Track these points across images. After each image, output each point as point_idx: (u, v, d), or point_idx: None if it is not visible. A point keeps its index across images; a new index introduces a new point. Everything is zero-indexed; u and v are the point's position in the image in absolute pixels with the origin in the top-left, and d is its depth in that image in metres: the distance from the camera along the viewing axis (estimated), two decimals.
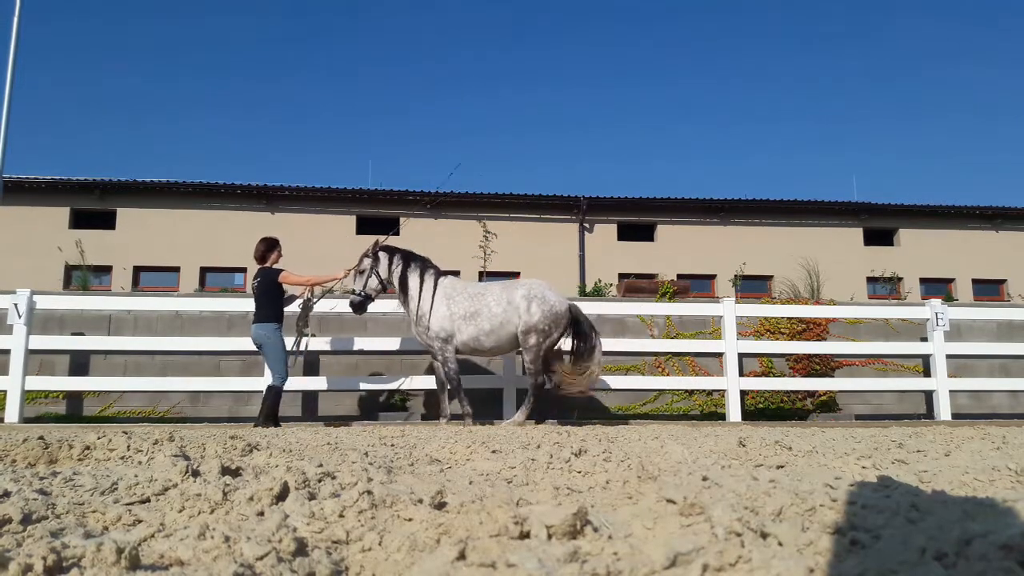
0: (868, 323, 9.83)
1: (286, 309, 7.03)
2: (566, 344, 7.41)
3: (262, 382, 8.11)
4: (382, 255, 7.23)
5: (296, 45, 50.95)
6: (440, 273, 7.28)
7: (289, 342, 6.99)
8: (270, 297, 6.77)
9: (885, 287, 16.06)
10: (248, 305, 8.41)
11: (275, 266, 6.99)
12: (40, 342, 8.15)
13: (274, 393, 6.69)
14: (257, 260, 7.02)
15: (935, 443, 3.96)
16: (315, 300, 7.31)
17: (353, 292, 7.16)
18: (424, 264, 7.28)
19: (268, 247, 7.01)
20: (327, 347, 8.63)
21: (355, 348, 8.62)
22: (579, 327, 7.23)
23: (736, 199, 17.70)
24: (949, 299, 14.80)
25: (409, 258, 7.27)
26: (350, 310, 7.20)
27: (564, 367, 7.21)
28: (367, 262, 7.18)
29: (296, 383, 8.56)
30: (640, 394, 9.27)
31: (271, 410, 6.64)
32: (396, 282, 7.18)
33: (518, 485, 2.28)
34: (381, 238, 7.43)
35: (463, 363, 8.88)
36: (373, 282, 7.14)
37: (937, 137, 54.56)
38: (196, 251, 16.30)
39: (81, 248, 13.84)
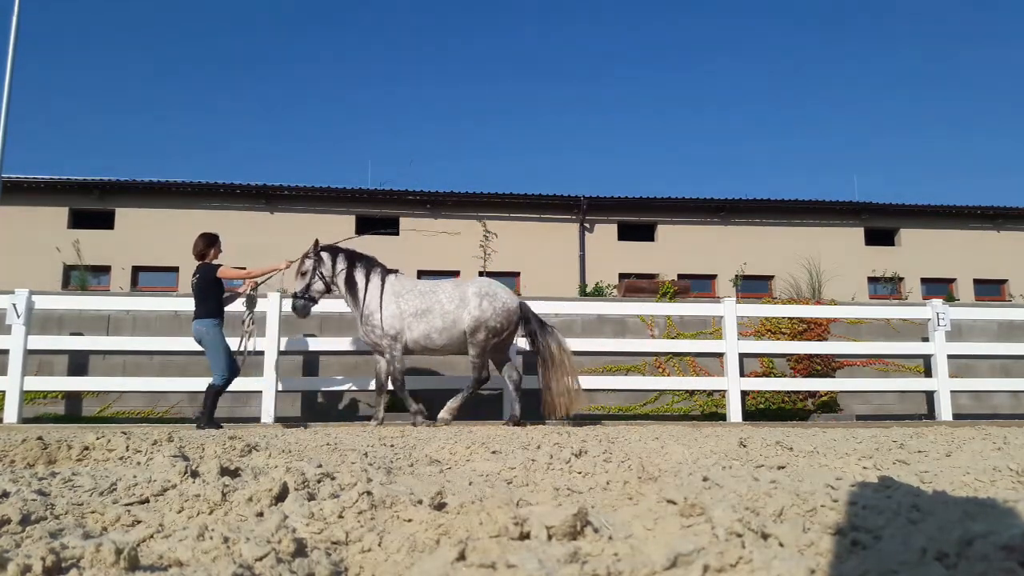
0: (869, 323, 9.82)
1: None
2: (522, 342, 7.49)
3: (261, 382, 8.12)
4: (325, 255, 7.13)
5: (297, 45, 50.97)
6: (387, 271, 7.23)
7: (236, 341, 6.91)
8: (210, 293, 6.64)
9: (886, 287, 16.06)
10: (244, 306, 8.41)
11: (214, 262, 6.84)
12: (39, 342, 8.14)
13: (214, 393, 6.50)
14: (196, 257, 6.86)
15: (936, 443, 3.96)
16: (257, 294, 7.14)
17: (295, 295, 7.03)
18: (370, 263, 7.22)
19: (207, 243, 6.86)
20: (327, 347, 8.63)
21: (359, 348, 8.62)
22: (528, 325, 7.28)
23: (736, 199, 17.69)
24: (950, 299, 14.79)
25: (354, 257, 7.20)
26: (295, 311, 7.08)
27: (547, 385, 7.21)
28: (309, 263, 7.06)
29: (296, 383, 8.56)
30: (640, 394, 9.27)
31: (211, 410, 6.47)
32: (342, 282, 7.08)
33: (518, 486, 2.28)
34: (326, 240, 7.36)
35: (464, 365, 8.86)
36: (318, 284, 7.04)
37: (939, 137, 54.57)
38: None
39: (78, 248, 13.83)
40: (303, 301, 6.99)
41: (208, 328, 6.57)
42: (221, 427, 6.39)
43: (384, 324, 6.93)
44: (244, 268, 7.42)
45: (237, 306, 7.14)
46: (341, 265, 7.12)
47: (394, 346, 6.98)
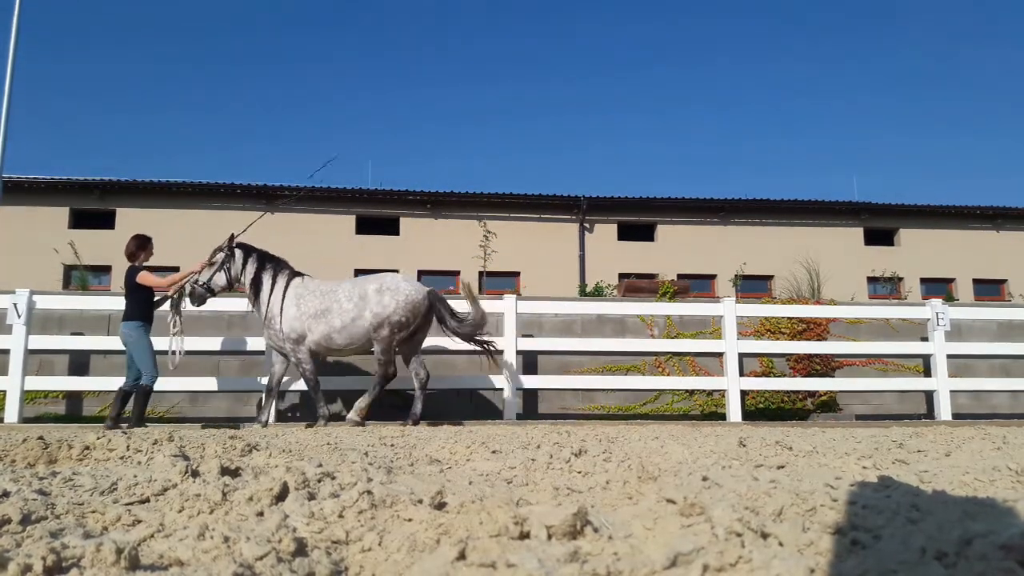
0: (869, 323, 9.82)
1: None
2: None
3: (261, 382, 8.11)
4: (237, 252, 7.11)
5: (296, 45, 50.96)
6: (295, 274, 7.21)
7: (164, 342, 6.87)
8: (135, 296, 6.66)
9: (886, 287, 16.05)
10: (247, 305, 8.40)
11: (143, 264, 6.85)
12: (39, 342, 8.14)
13: (145, 393, 6.49)
14: (127, 258, 6.85)
15: (935, 443, 3.96)
16: (184, 298, 7.07)
17: (195, 282, 6.97)
18: (278, 265, 7.19)
19: (138, 245, 6.86)
20: None
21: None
22: (438, 312, 7.13)
23: (736, 199, 17.68)
24: (950, 299, 14.78)
25: (264, 258, 7.18)
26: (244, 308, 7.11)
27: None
28: (220, 256, 7.05)
29: (297, 383, 8.55)
30: (640, 394, 9.27)
31: (142, 411, 6.47)
32: (248, 282, 7.06)
33: (518, 485, 2.28)
34: (236, 232, 7.27)
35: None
36: (221, 278, 7.00)
37: (938, 136, 54.58)
38: (195, 251, 16.19)
39: (75, 248, 13.81)
40: (202, 291, 6.95)
41: (131, 331, 6.57)
42: (145, 425, 6.33)
43: (284, 327, 6.92)
44: (172, 274, 7.32)
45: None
46: (252, 265, 7.10)
47: (298, 349, 6.96)
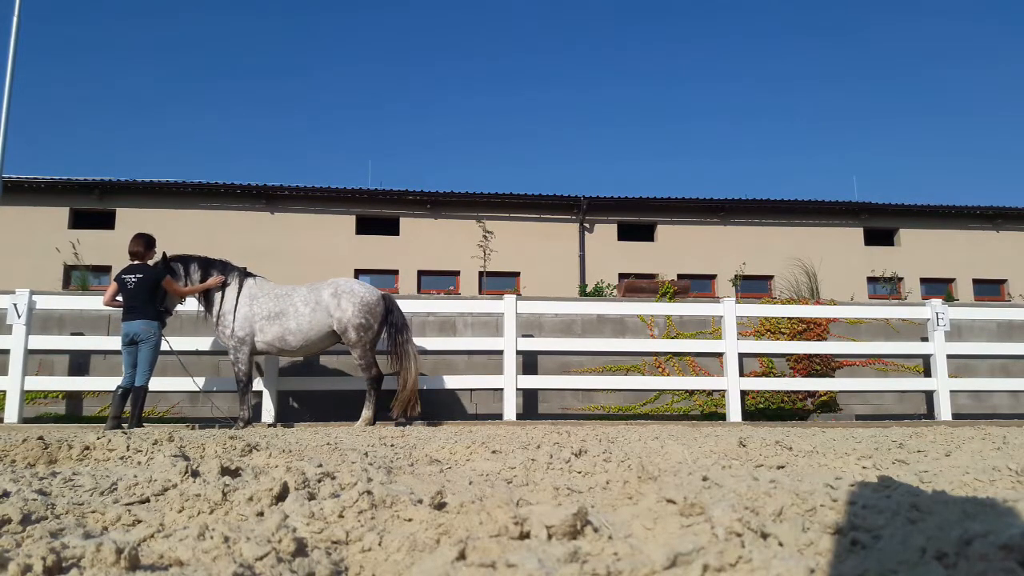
0: (868, 323, 9.82)
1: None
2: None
3: (260, 383, 8.12)
4: (177, 266, 7.18)
5: (296, 45, 50.97)
6: (245, 275, 7.32)
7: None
8: (156, 296, 6.74)
9: (885, 287, 16.05)
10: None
11: (153, 264, 6.96)
12: (39, 342, 8.14)
13: (145, 395, 6.64)
14: (136, 257, 6.87)
15: (936, 443, 3.96)
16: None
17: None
18: (225, 267, 7.30)
19: (148, 245, 6.93)
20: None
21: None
22: (391, 316, 7.26)
23: (736, 199, 17.68)
24: (949, 299, 14.78)
25: (208, 264, 7.28)
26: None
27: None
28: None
29: (297, 383, 8.56)
30: (640, 394, 9.27)
31: (142, 412, 6.63)
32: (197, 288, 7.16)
33: (518, 485, 2.28)
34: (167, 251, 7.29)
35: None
36: (173, 296, 7.06)
37: (938, 137, 54.58)
38: (195, 251, 16.13)
39: (76, 249, 13.81)
40: (161, 312, 6.97)
41: (155, 330, 6.69)
42: (143, 426, 6.45)
43: (235, 326, 7.05)
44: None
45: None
46: (196, 273, 7.20)
47: (240, 348, 7.10)
